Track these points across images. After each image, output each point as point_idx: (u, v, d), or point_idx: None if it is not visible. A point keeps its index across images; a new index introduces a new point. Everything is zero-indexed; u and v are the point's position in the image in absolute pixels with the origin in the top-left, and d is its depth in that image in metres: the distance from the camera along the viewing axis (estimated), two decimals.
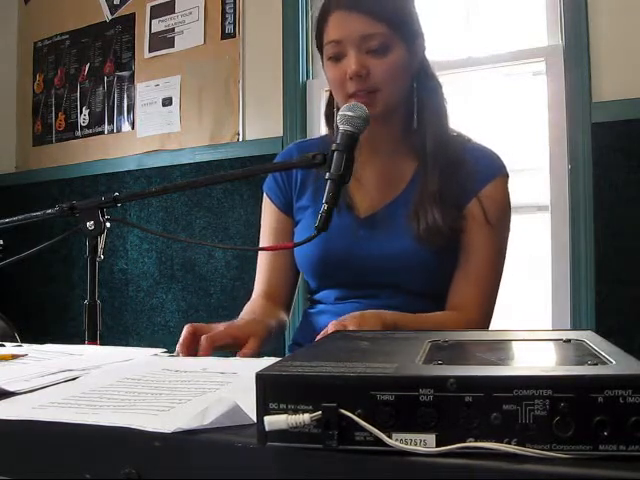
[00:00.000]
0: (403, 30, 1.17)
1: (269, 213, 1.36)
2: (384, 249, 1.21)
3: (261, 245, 1.37)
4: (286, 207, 1.34)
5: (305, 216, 1.30)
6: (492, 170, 1.24)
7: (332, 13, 1.18)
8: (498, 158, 1.27)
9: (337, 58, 1.18)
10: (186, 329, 1.01)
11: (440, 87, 1.27)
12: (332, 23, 1.18)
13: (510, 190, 1.27)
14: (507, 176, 1.27)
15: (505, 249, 1.26)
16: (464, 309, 1.20)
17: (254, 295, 1.34)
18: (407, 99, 1.23)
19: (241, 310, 1.29)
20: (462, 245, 1.23)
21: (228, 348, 1.04)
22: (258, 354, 1.04)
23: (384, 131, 1.24)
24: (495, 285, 1.25)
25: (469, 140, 1.29)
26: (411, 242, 1.20)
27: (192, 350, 0.99)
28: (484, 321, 1.23)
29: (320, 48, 1.23)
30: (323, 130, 2.39)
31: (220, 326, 1.06)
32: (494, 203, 1.22)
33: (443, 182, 1.21)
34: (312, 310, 1.32)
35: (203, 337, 0.99)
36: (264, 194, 1.37)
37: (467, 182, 1.22)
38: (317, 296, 1.32)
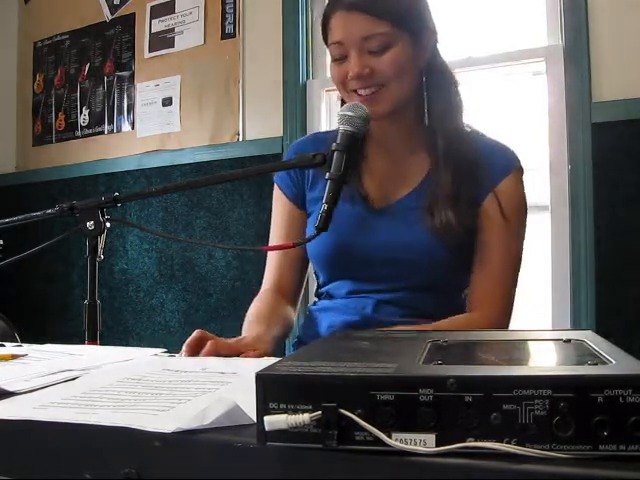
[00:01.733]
0: (407, 25, 1.16)
1: (280, 204, 1.36)
2: (396, 239, 1.21)
3: (271, 237, 1.37)
4: (297, 198, 1.34)
5: (317, 208, 1.30)
6: (506, 165, 1.23)
7: (334, 14, 1.18)
8: (512, 152, 1.26)
9: (340, 59, 1.18)
10: (196, 332, 1.02)
11: (453, 82, 1.25)
12: (334, 24, 1.18)
13: (525, 184, 1.25)
14: (521, 170, 1.25)
15: (522, 244, 1.25)
16: (484, 308, 1.20)
17: (262, 288, 1.34)
18: (416, 94, 1.22)
19: (244, 309, 1.29)
20: (479, 242, 1.22)
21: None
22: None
23: (394, 127, 1.24)
24: (514, 281, 1.24)
25: (482, 135, 1.28)
26: (424, 235, 1.19)
27: (196, 352, 0.99)
28: (505, 318, 1.22)
29: (328, 47, 1.23)
30: (323, 129, 2.40)
31: (228, 341, 1.05)
32: (510, 199, 1.22)
33: (458, 181, 1.20)
34: (317, 307, 1.32)
35: (210, 342, 0.99)
36: (275, 185, 1.37)
37: (482, 179, 1.21)
38: (327, 289, 1.32)
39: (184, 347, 1.00)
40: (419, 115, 1.24)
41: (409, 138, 1.26)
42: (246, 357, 1.01)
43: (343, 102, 1.29)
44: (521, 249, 1.25)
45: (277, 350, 1.53)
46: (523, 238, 1.26)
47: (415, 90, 1.22)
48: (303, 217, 1.33)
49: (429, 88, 1.23)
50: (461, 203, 1.19)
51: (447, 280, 1.23)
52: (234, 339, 1.07)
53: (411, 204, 1.23)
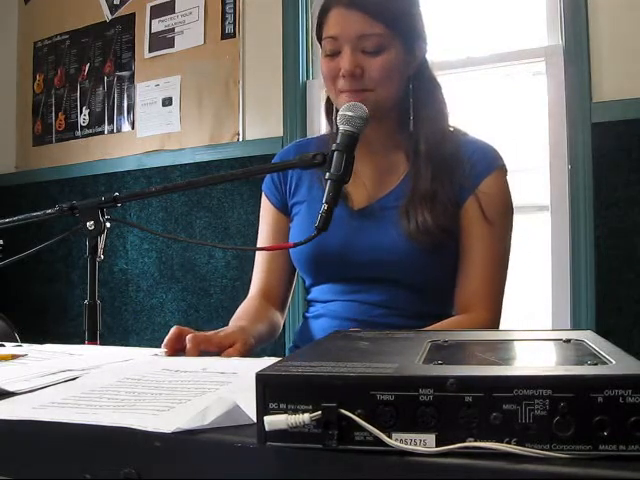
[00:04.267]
0: (401, 30, 1.17)
1: (267, 213, 1.37)
2: (376, 241, 1.21)
3: (259, 243, 1.37)
4: (282, 207, 1.35)
5: (300, 211, 1.31)
6: (487, 165, 1.22)
7: (332, 9, 1.18)
8: (494, 151, 1.25)
9: (333, 54, 1.19)
10: (173, 329, 1.02)
11: (439, 88, 1.27)
12: (331, 19, 1.18)
13: (509, 183, 1.24)
14: (504, 169, 1.24)
15: (509, 245, 1.24)
16: (474, 310, 1.19)
17: (250, 294, 1.35)
18: (402, 100, 1.23)
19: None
20: (463, 244, 1.22)
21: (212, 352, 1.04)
22: (250, 355, 1.04)
23: (376, 130, 1.24)
24: (501, 283, 1.23)
25: (464, 134, 1.28)
26: (400, 237, 1.19)
27: (176, 350, 0.99)
28: (495, 319, 1.21)
29: (320, 41, 1.24)
30: (323, 130, 2.40)
31: (207, 334, 1.05)
32: (491, 199, 1.21)
33: (437, 181, 1.20)
34: (309, 314, 1.33)
35: (188, 337, 0.99)
36: (262, 193, 1.38)
37: (463, 179, 1.21)
38: (313, 295, 1.32)
39: (163, 346, 1.00)
40: (403, 119, 1.24)
41: (391, 140, 1.27)
42: (228, 355, 1.00)
43: (328, 100, 1.29)
44: (507, 250, 1.24)
45: (277, 351, 1.53)
46: (509, 239, 1.24)
47: (401, 96, 1.23)
48: (288, 223, 1.34)
49: (416, 95, 1.23)
50: (438, 203, 1.19)
51: (430, 280, 1.22)
52: (213, 332, 1.06)
53: (389, 204, 1.24)
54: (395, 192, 1.25)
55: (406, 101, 1.23)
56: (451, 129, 1.27)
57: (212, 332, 1.06)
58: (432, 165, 1.21)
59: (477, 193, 1.20)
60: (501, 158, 1.25)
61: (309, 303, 1.35)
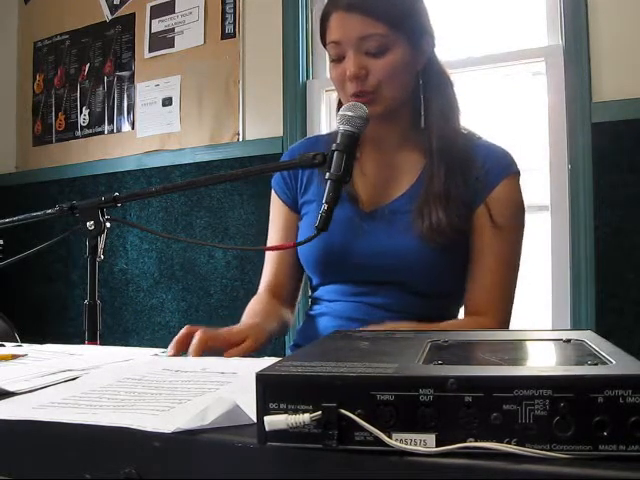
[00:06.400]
0: (405, 28, 1.16)
1: (276, 209, 1.37)
2: (386, 245, 1.21)
3: (269, 240, 1.38)
4: (292, 203, 1.34)
5: (310, 210, 1.30)
6: (500, 170, 1.22)
7: (332, 13, 1.18)
8: (508, 156, 1.24)
9: (338, 59, 1.18)
10: (184, 329, 1.02)
11: (450, 84, 1.25)
12: (332, 24, 1.18)
13: (521, 188, 1.24)
14: (517, 174, 1.24)
15: (519, 250, 1.24)
16: (481, 315, 1.19)
17: (260, 290, 1.34)
18: (412, 97, 1.22)
19: (243, 309, 1.29)
20: (473, 249, 1.21)
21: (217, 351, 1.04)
22: (254, 354, 1.04)
23: (388, 128, 1.24)
24: (510, 288, 1.22)
25: (479, 138, 1.27)
26: (413, 240, 1.19)
27: (184, 349, 0.99)
28: (503, 325, 1.21)
29: (325, 46, 1.23)
30: (323, 130, 2.41)
31: (218, 330, 1.05)
32: (503, 205, 1.20)
33: (450, 181, 1.19)
34: (312, 312, 1.32)
35: (197, 333, 0.99)
36: (272, 189, 1.38)
37: (476, 184, 1.20)
38: (318, 293, 1.32)
39: (171, 344, 0.99)
40: (414, 116, 1.24)
41: (403, 139, 1.26)
42: (230, 355, 1.00)
43: (340, 103, 1.29)
44: (518, 255, 1.24)
45: (277, 350, 1.54)
46: (520, 243, 1.24)
47: (411, 93, 1.22)
48: (297, 220, 1.34)
49: (426, 90, 1.22)
50: (452, 203, 1.18)
51: (439, 284, 1.22)
52: (225, 328, 1.06)
53: (402, 208, 1.23)
54: (408, 194, 1.24)
55: (417, 98, 1.22)
56: (464, 131, 1.26)
57: (225, 329, 1.06)
58: (445, 164, 1.20)
59: (489, 199, 1.20)
60: (515, 163, 1.24)
61: (313, 301, 1.34)
